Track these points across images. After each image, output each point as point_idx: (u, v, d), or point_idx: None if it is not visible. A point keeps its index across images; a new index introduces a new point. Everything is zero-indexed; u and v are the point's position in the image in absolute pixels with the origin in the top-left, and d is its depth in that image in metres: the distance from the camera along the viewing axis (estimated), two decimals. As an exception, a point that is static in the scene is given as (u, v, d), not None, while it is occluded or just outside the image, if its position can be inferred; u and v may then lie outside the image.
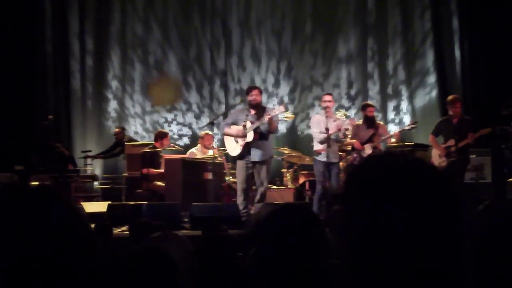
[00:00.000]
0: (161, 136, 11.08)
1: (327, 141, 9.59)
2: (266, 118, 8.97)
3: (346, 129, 9.90)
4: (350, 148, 10.77)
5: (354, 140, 10.40)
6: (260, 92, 9.50)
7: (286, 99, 14.22)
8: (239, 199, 9.30)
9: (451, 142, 9.87)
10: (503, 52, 12.11)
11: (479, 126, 9.97)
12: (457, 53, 13.48)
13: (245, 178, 9.20)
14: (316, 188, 9.69)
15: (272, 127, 9.09)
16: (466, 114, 12.69)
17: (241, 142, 9.23)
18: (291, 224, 2.12)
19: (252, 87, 9.69)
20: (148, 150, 10.82)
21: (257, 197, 9.27)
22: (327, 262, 2.10)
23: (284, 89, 14.30)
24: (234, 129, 9.34)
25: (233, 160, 11.17)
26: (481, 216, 1.91)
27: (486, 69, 12.39)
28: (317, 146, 9.73)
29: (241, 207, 9.18)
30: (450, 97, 10.36)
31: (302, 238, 2.08)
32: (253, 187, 9.54)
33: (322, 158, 9.63)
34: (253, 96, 9.29)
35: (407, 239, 1.18)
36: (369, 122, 10.35)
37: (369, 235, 1.20)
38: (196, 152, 11.34)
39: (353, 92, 14.19)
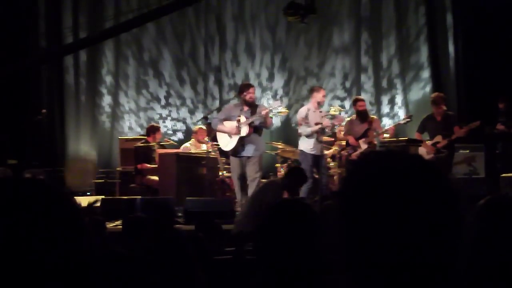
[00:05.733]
0: (153, 130, 11.07)
1: (317, 134, 9.71)
2: (263, 113, 9.08)
3: (332, 126, 10.09)
4: (344, 143, 10.81)
5: (348, 136, 10.44)
6: (254, 90, 9.63)
7: (280, 92, 14.27)
8: (238, 195, 9.45)
9: (438, 138, 9.97)
10: (497, 48, 12.13)
11: (472, 122, 10.05)
12: (451, 48, 13.52)
13: (240, 174, 9.34)
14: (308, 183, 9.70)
15: (267, 122, 9.23)
16: (460, 109, 12.76)
17: (234, 137, 9.30)
18: (288, 219, 2.12)
19: (249, 85, 9.78)
20: (141, 144, 10.81)
21: (250, 191, 9.30)
22: (322, 257, 2.10)
23: (278, 82, 14.33)
24: (228, 125, 9.41)
25: (226, 154, 11.28)
26: (481, 211, 1.91)
27: (480, 65, 12.41)
28: (305, 140, 9.81)
29: (243, 202, 9.28)
30: (434, 96, 10.48)
31: (299, 232, 2.08)
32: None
33: (312, 151, 9.74)
34: (250, 94, 9.38)
35: (406, 236, 1.18)
36: (361, 116, 10.40)
37: (367, 231, 1.20)
38: (190, 146, 11.36)
39: (348, 84, 14.24)
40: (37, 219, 1.20)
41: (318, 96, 9.91)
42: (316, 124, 9.70)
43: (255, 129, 9.29)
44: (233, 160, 9.48)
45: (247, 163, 9.30)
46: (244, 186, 9.43)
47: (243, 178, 9.36)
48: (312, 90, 10.24)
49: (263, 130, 9.56)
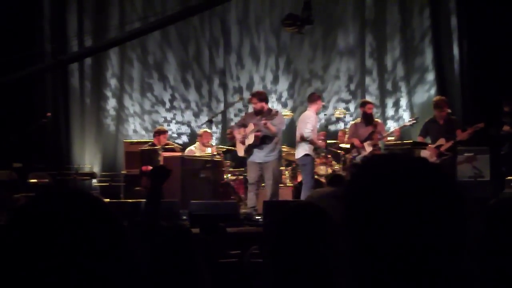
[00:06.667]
0: (159, 132, 11.10)
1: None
2: (260, 123, 9.48)
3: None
4: (349, 147, 10.83)
5: (353, 139, 10.48)
6: (260, 98, 9.79)
7: (285, 95, 14.30)
8: (248, 195, 9.81)
9: (441, 141, 9.95)
10: (501, 50, 12.11)
11: (476, 124, 10.05)
12: (456, 51, 13.49)
13: (254, 177, 9.71)
14: (310, 185, 9.84)
15: (270, 130, 9.52)
16: (464, 112, 12.74)
17: (247, 143, 9.73)
18: (302, 221, 2.11)
19: (253, 94, 10.14)
20: (147, 147, 10.83)
21: (268, 194, 9.63)
22: (332, 260, 2.08)
23: (283, 85, 14.34)
24: (241, 131, 9.84)
25: (232, 158, 11.45)
26: (488, 214, 1.91)
27: (485, 68, 12.40)
28: (308, 145, 9.97)
29: (251, 203, 9.65)
30: (436, 99, 10.47)
31: (311, 235, 2.07)
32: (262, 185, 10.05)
33: (313, 155, 10.18)
34: (252, 104, 9.83)
35: (411, 239, 1.17)
36: (367, 119, 10.47)
37: (371, 235, 1.20)
38: (194, 150, 11.36)
39: (352, 86, 14.24)
40: (86, 229, 1.22)
41: (320, 104, 10.33)
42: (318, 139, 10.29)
43: (263, 137, 9.59)
44: (247, 163, 9.91)
45: (262, 168, 9.64)
46: (256, 188, 9.74)
47: (255, 180, 9.70)
48: (316, 97, 10.39)
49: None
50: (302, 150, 10.11)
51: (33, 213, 1.24)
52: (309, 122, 9.97)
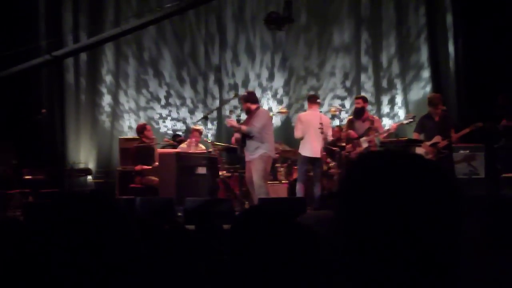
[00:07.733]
0: (141, 130, 11.11)
1: None
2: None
3: None
4: (344, 144, 10.85)
5: (350, 131, 10.52)
6: (245, 99, 9.85)
7: (280, 92, 14.30)
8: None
9: (438, 138, 9.88)
10: (497, 48, 12.13)
11: (472, 122, 10.04)
12: (451, 48, 13.51)
13: (248, 176, 9.77)
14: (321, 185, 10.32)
15: (241, 130, 9.63)
16: (460, 110, 12.76)
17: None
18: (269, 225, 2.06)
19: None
20: (141, 144, 10.81)
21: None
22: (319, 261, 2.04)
23: (278, 82, 14.34)
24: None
25: (227, 155, 11.53)
26: (485, 212, 1.91)
27: (479, 65, 12.41)
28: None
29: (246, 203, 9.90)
30: (430, 96, 10.44)
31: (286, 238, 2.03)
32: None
33: None
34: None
35: (406, 236, 1.17)
36: (357, 113, 10.60)
37: (366, 232, 1.19)
38: (186, 147, 11.31)
39: (348, 83, 14.25)
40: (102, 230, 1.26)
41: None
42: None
43: (243, 137, 9.66)
44: None
45: (251, 167, 9.61)
46: (250, 189, 9.80)
47: (249, 180, 9.74)
48: (317, 98, 10.68)
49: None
50: (321, 149, 10.23)
51: (55, 214, 1.27)
52: (330, 127, 10.42)
